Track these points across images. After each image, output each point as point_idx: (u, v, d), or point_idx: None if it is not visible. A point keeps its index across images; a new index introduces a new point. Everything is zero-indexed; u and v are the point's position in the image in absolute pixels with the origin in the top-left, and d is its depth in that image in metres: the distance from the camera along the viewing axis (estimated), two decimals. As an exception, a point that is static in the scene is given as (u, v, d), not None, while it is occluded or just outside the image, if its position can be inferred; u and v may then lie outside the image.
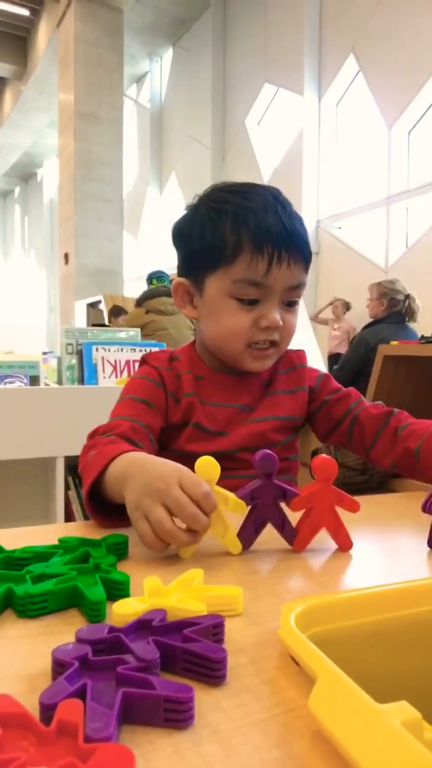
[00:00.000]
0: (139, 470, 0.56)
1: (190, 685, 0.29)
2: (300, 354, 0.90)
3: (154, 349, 2.04)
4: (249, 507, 0.54)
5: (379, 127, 6.58)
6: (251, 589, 0.44)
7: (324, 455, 0.55)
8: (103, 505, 0.63)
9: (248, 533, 0.54)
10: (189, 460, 0.55)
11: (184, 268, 0.83)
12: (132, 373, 1.92)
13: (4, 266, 17.55)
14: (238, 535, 0.54)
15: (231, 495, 0.53)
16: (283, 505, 0.55)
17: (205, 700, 0.30)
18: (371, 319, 3.36)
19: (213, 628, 0.35)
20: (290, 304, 0.79)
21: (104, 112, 7.95)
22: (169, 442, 0.82)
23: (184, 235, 0.82)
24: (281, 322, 0.77)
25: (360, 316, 5.70)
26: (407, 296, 3.22)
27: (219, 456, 0.56)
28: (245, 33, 8.49)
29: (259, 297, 0.76)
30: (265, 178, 8.01)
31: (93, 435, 0.75)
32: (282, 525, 0.55)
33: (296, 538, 0.55)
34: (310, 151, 7.41)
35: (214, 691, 0.31)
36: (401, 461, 0.78)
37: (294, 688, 0.31)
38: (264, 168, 8.22)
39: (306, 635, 0.32)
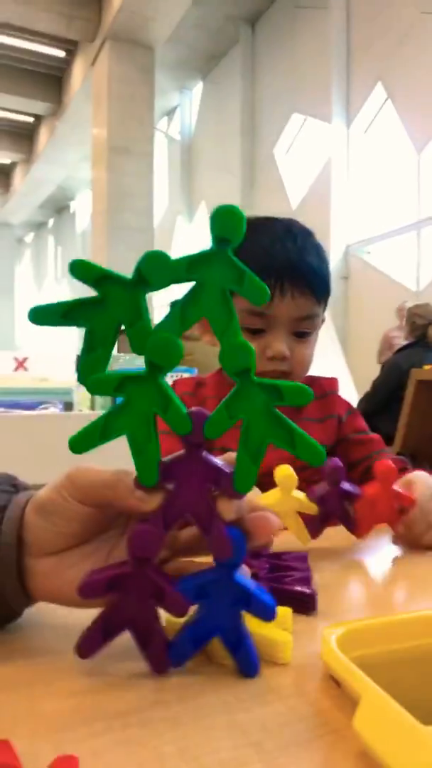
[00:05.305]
0: None
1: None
2: (332, 381, 0.90)
3: (185, 375, 2.07)
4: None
5: (409, 153, 6.60)
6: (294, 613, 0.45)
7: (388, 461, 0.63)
8: None
9: (315, 526, 0.61)
10: None
11: None
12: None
13: (38, 295, 17.95)
14: (307, 527, 0.60)
15: (304, 497, 0.60)
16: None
17: (249, 720, 0.31)
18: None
19: None
20: (302, 335, 0.79)
21: (136, 146, 8.15)
22: None
23: None
24: (287, 352, 0.76)
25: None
26: (430, 322, 3.18)
27: None
28: (273, 64, 8.67)
29: (264, 327, 0.77)
30: (294, 205, 8.07)
31: None
32: (346, 518, 0.62)
33: (358, 528, 0.63)
34: (339, 177, 7.46)
35: (258, 711, 0.32)
36: None
37: (337, 710, 0.31)
38: (292, 195, 8.30)
39: (348, 658, 0.32)
